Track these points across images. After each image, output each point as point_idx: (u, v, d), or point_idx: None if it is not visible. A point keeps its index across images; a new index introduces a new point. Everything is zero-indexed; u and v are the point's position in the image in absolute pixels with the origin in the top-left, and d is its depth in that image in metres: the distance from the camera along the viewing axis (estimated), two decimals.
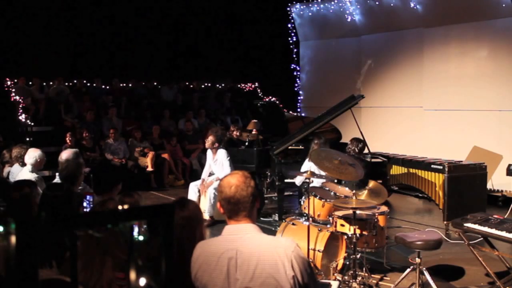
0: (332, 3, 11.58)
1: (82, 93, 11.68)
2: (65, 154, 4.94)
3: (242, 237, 2.10)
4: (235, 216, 2.15)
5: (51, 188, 3.21)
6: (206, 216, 6.81)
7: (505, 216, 4.93)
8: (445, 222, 6.42)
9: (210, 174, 7.48)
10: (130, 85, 12.60)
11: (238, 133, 9.16)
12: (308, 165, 6.36)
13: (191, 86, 13.58)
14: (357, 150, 6.36)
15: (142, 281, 1.07)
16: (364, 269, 4.62)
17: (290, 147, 7.49)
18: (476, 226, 4.22)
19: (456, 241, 5.84)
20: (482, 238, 4.48)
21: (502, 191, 8.20)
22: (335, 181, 5.78)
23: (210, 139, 7.25)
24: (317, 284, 2.17)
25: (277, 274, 2.00)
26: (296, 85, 12.96)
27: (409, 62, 10.30)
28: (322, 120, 7.64)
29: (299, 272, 2.01)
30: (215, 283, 2.07)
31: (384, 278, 4.81)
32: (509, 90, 8.60)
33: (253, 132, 8.70)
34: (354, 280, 4.35)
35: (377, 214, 4.60)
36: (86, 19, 12.24)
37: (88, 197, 3.51)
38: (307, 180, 4.99)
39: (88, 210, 3.42)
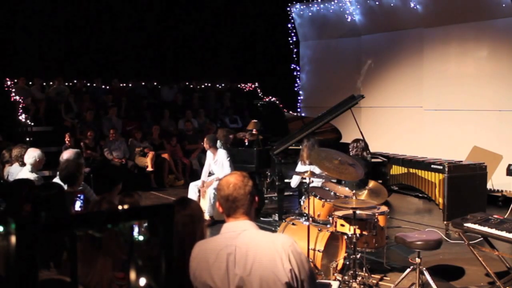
0: (332, 3, 11.58)
1: (82, 93, 11.68)
2: (66, 154, 4.95)
3: (240, 233, 2.13)
4: (233, 213, 2.17)
5: (43, 188, 3.21)
6: (206, 216, 6.81)
7: (505, 216, 4.93)
8: (445, 222, 6.42)
9: (210, 174, 7.49)
10: (130, 85, 12.61)
11: (247, 139, 9.18)
12: (301, 168, 6.36)
13: (191, 86, 13.58)
14: (359, 149, 6.35)
15: (142, 281, 1.07)
16: (364, 269, 4.62)
17: (290, 147, 7.49)
18: (476, 226, 4.22)
19: (456, 241, 5.84)
20: (482, 238, 4.48)
21: (502, 191, 8.20)
22: (335, 181, 5.78)
23: (205, 141, 7.34)
24: (315, 280, 2.17)
25: (275, 268, 2.02)
26: (296, 85, 12.95)
27: (409, 62, 10.30)
28: (322, 120, 7.64)
29: (296, 266, 2.04)
30: (215, 279, 2.08)
31: (384, 278, 4.81)
32: (509, 90, 8.60)
33: (253, 132, 8.70)
34: (354, 280, 4.35)
35: (377, 214, 4.60)
36: (87, 19, 12.24)
37: (81, 196, 3.52)
38: (306, 180, 4.99)
39: (80, 209, 3.43)
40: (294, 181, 6.67)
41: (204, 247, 2.19)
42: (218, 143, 7.66)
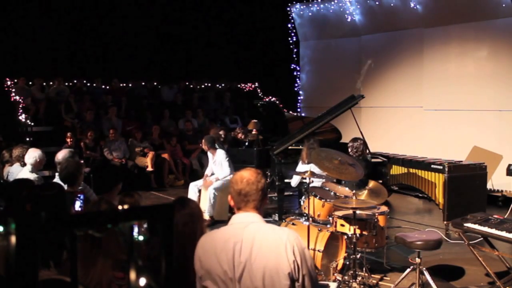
0: (332, 3, 11.58)
1: (82, 93, 11.68)
2: (61, 154, 4.96)
3: (247, 225, 2.17)
4: (244, 206, 2.22)
5: (43, 188, 3.21)
6: (206, 216, 6.81)
7: (505, 216, 4.93)
8: (445, 222, 6.42)
9: (211, 174, 7.49)
10: (130, 85, 12.60)
11: (243, 136, 9.17)
12: (301, 168, 6.36)
13: (191, 86, 13.58)
14: (360, 149, 6.34)
15: (142, 281, 1.07)
16: (364, 269, 4.62)
17: (290, 147, 7.49)
18: (476, 226, 4.22)
19: (456, 241, 5.84)
20: (482, 238, 4.48)
21: (502, 191, 8.20)
22: (335, 181, 5.78)
23: (203, 142, 7.34)
24: (315, 277, 2.20)
25: (279, 258, 2.07)
26: (296, 85, 12.96)
27: (409, 62, 10.30)
28: (322, 120, 7.64)
29: (300, 258, 2.09)
30: (223, 266, 2.12)
31: (384, 278, 4.81)
32: (509, 90, 8.60)
33: (253, 132, 8.70)
34: (354, 280, 4.35)
35: (377, 214, 4.60)
36: (86, 19, 12.24)
37: (81, 196, 3.52)
38: (306, 180, 4.99)
39: (81, 209, 3.43)
40: (294, 180, 6.68)
41: (211, 236, 2.24)
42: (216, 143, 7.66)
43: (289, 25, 12.70)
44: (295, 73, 12.91)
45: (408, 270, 4.39)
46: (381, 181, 5.88)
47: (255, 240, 2.11)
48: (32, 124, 10.24)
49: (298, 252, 2.09)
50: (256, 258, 2.08)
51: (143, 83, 12.84)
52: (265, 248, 2.09)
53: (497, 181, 8.13)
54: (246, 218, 2.21)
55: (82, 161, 6.23)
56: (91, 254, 2.33)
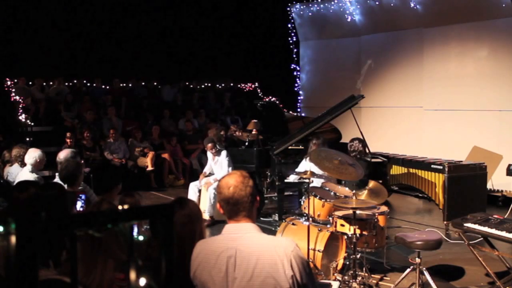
0: (332, 3, 11.58)
1: (82, 93, 11.68)
2: (63, 154, 4.96)
3: (242, 236, 2.11)
4: (235, 216, 2.16)
5: (44, 187, 3.21)
6: (206, 216, 6.81)
7: (505, 216, 4.93)
8: (445, 222, 6.42)
9: (210, 174, 7.49)
10: (130, 85, 12.61)
11: (240, 133, 9.17)
12: (305, 165, 6.36)
13: (191, 86, 13.58)
14: (357, 149, 6.34)
15: (142, 281, 1.07)
16: (364, 269, 4.62)
17: (290, 147, 7.49)
18: (476, 226, 4.22)
19: (456, 241, 5.84)
20: (482, 238, 4.48)
21: (502, 191, 8.20)
22: (335, 181, 5.78)
23: (209, 146, 7.30)
24: (316, 285, 2.17)
25: (276, 274, 2.01)
26: (296, 85, 12.96)
27: (409, 62, 10.30)
28: (322, 120, 7.64)
29: (298, 272, 2.02)
30: (214, 281, 2.08)
31: (384, 278, 4.81)
32: (509, 90, 8.60)
33: (253, 132, 8.70)
34: (354, 280, 4.35)
35: (377, 214, 4.60)
36: (86, 19, 12.24)
37: (82, 196, 3.52)
38: (306, 180, 4.99)
39: (82, 209, 3.43)
40: (293, 177, 6.69)
41: (206, 247, 2.18)
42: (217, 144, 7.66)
43: (289, 25, 12.70)
44: (295, 73, 12.91)
45: (408, 270, 4.39)
46: (381, 181, 5.88)
47: (251, 255, 2.04)
48: (32, 124, 10.24)
49: (296, 265, 2.02)
50: (252, 274, 2.02)
51: (143, 83, 12.85)
52: (262, 263, 2.02)
53: (497, 181, 8.13)
54: (239, 229, 2.13)
55: (82, 161, 6.22)
56: (92, 254, 2.33)
